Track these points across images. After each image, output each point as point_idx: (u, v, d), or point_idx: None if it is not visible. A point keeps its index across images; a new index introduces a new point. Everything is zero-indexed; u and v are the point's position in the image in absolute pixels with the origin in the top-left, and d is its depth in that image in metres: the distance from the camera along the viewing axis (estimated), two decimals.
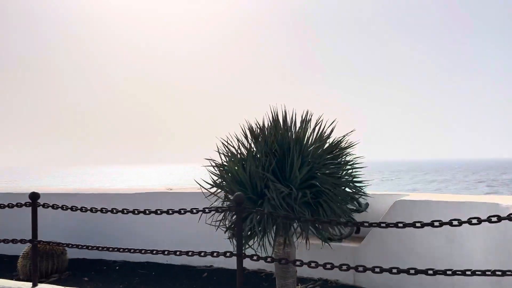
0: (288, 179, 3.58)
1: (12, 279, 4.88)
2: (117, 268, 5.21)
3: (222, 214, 3.75)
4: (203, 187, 3.94)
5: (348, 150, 3.73)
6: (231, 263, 5.28)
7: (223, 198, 3.87)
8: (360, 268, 2.86)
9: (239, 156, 3.77)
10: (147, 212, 3.64)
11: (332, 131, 3.67)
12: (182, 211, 3.45)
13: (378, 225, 3.02)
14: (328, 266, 2.94)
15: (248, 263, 3.70)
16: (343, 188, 3.71)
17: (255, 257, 3.16)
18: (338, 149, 3.76)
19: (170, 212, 3.47)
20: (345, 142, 3.77)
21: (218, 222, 3.81)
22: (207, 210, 3.35)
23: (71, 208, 3.79)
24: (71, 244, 3.79)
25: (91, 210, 3.70)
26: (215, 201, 4.00)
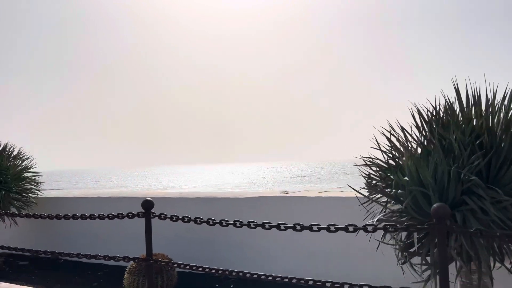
0: (494, 181, 2.52)
1: None
2: (232, 287, 4.43)
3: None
4: (358, 191, 3.01)
5: None
6: None
7: (384, 205, 2.90)
8: None
9: (412, 151, 2.78)
10: (267, 226, 2.73)
11: None
12: (333, 228, 2.50)
13: None
14: None
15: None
16: None
17: None
18: None
19: (316, 227, 2.54)
20: None
21: (386, 240, 2.85)
22: (390, 228, 2.37)
23: (195, 221, 3.02)
24: (195, 266, 3.01)
25: (220, 223, 2.90)
26: (369, 209, 3.05)
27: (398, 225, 2.36)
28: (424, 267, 2.58)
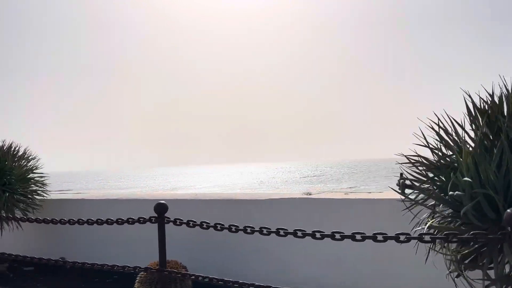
0: None
1: None
2: None
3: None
4: (405, 195, 2.63)
5: None
6: None
7: (433, 209, 2.53)
8: None
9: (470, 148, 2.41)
10: (299, 234, 2.38)
11: None
12: (381, 238, 2.13)
13: None
14: None
15: None
16: None
17: None
18: None
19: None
20: None
21: (433, 250, 2.47)
22: (453, 238, 1.99)
23: (215, 227, 2.67)
24: (215, 278, 2.66)
25: (244, 230, 2.55)
26: (406, 214, 2.68)
27: (462, 234, 1.98)
28: (486, 282, 2.20)
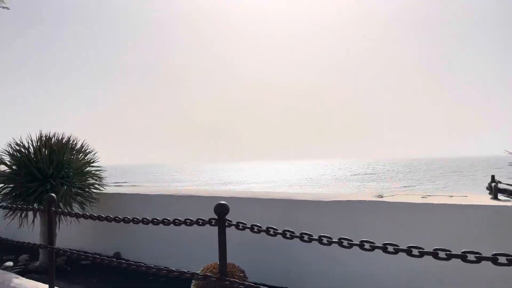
0: None
1: None
2: None
3: None
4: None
5: None
6: None
7: None
8: None
9: None
10: (390, 249, 1.96)
11: None
12: (506, 260, 1.66)
13: None
14: None
15: None
16: None
17: None
18: None
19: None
20: None
21: None
22: None
23: (283, 234, 2.32)
24: None
25: (319, 240, 2.16)
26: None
27: None
28: None
